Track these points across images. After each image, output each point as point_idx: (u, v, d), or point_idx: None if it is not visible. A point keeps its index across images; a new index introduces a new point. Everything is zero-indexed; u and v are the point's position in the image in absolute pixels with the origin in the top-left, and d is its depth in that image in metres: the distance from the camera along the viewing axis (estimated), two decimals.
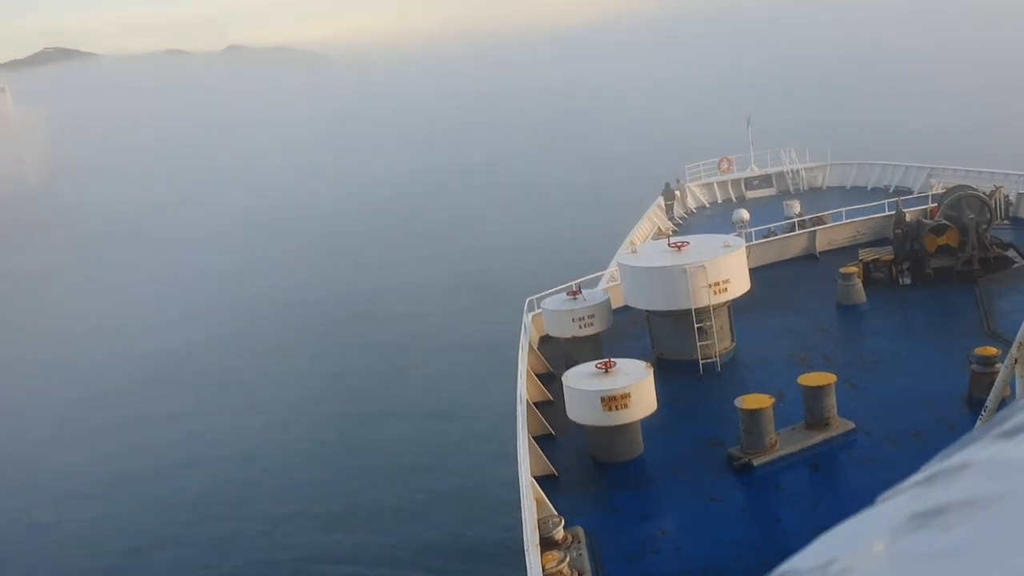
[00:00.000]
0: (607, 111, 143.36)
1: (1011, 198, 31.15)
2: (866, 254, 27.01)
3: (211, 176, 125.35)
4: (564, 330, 21.99)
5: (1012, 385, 12.26)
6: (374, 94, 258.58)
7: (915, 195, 35.20)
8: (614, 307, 22.67)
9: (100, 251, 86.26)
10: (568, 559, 13.15)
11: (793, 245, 30.06)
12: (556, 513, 14.02)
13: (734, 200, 44.92)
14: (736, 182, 46.47)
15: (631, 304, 22.19)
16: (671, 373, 20.57)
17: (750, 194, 45.73)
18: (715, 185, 46.45)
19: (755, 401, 16.00)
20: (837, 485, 15.41)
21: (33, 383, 50.88)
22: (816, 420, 16.45)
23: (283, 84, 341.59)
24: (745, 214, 35.82)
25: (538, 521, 13.58)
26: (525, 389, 18.86)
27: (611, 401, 16.23)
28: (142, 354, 52.69)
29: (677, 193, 43.79)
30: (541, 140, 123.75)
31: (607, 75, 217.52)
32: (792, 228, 31.99)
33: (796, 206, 36.87)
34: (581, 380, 16.91)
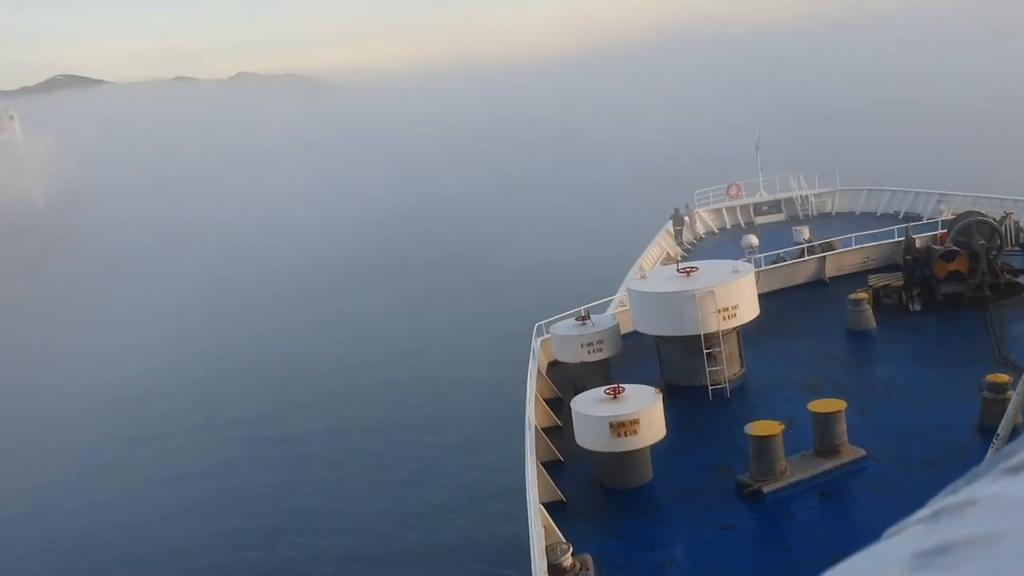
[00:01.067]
0: (611, 138, 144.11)
1: (1021, 224, 31.07)
2: (876, 280, 26.92)
3: (216, 203, 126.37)
4: (573, 355, 21.92)
5: None
6: (379, 120, 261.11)
7: (925, 221, 35.15)
8: (623, 332, 22.61)
9: (106, 276, 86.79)
10: None
11: (802, 271, 29.99)
12: (564, 540, 13.92)
13: (743, 225, 44.94)
14: (745, 208, 46.52)
15: (640, 329, 22.14)
16: (680, 399, 20.47)
17: (759, 220, 45.76)
18: (724, 210, 46.51)
19: (765, 427, 15.90)
20: (848, 513, 15.27)
21: (34, 403, 51.25)
22: (826, 447, 16.32)
23: (288, 111, 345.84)
24: (754, 239, 35.82)
25: (546, 548, 13.48)
26: (533, 415, 18.78)
27: (620, 427, 16.15)
28: (143, 373, 52.91)
29: (686, 218, 43.87)
30: (544, 167, 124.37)
31: (610, 103, 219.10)
32: (801, 254, 31.94)
33: (805, 232, 36.86)
34: (590, 406, 16.84)
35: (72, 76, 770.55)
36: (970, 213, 28.14)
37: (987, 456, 12.79)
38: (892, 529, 1.39)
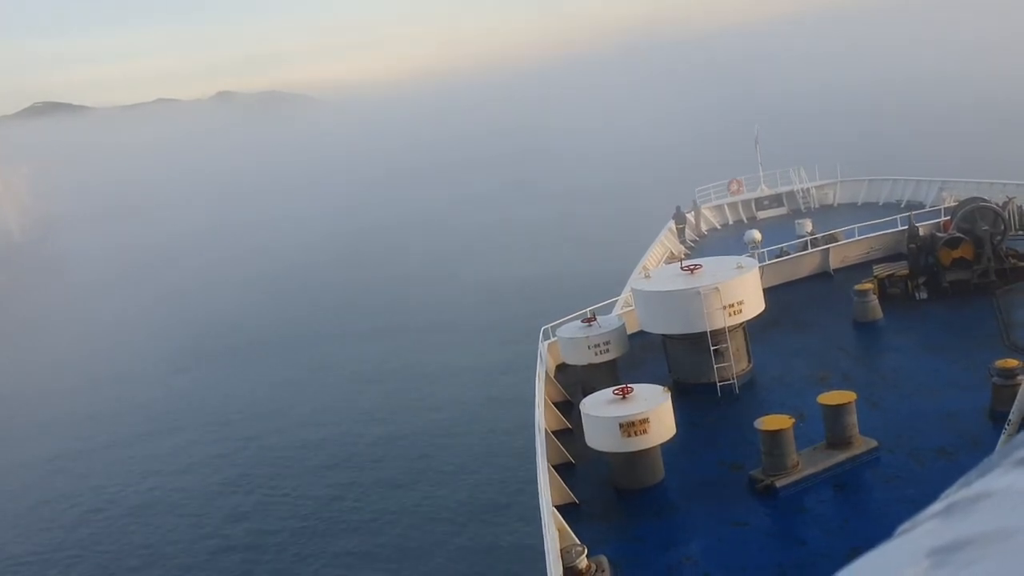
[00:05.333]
0: (583, 148, 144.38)
1: None
2: (881, 270, 26.85)
3: (194, 222, 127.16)
4: (580, 357, 21.92)
5: None
6: (361, 134, 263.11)
7: (927, 209, 35.06)
8: (629, 332, 22.60)
9: (81, 301, 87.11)
10: None
11: (806, 264, 29.93)
12: (579, 542, 13.90)
13: (745, 221, 44.87)
14: (746, 203, 46.47)
15: (646, 329, 22.12)
16: (689, 397, 20.45)
17: (761, 214, 45.70)
18: (725, 207, 46.46)
19: (775, 422, 15.86)
20: (862, 504, 15.21)
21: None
22: (838, 439, 16.28)
23: (267, 129, 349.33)
24: (757, 234, 35.77)
25: (561, 551, 13.46)
26: (543, 418, 18.77)
27: (630, 427, 16.13)
28: (119, 402, 53.03)
29: (688, 216, 43.79)
30: (524, 176, 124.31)
31: (578, 112, 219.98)
32: (805, 247, 31.88)
33: (808, 224, 36.78)
34: (599, 407, 16.83)
35: (52, 103, 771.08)
36: (973, 199, 28.06)
37: (999, 443, 12.66)
38: (905, 525, 1.38)
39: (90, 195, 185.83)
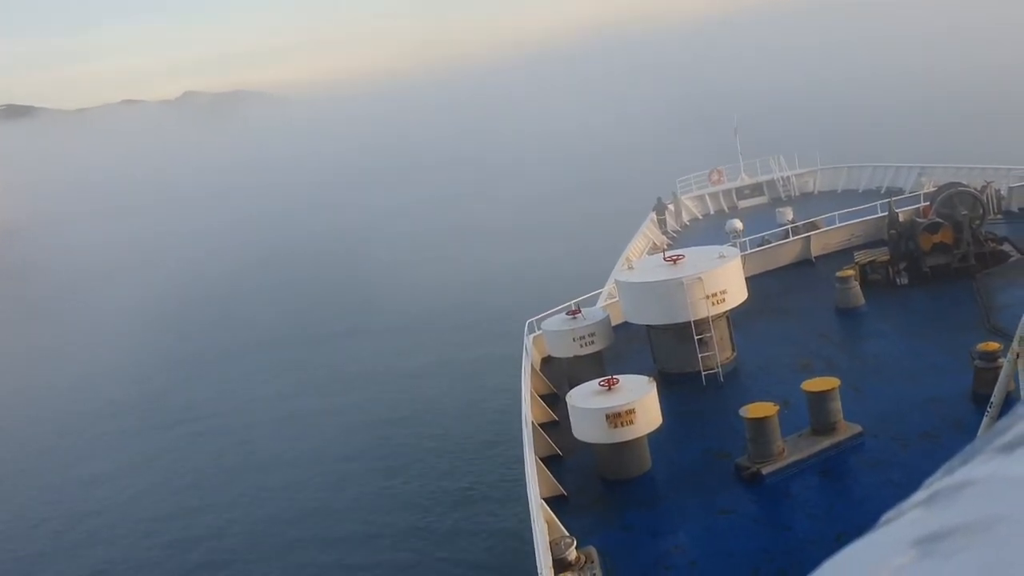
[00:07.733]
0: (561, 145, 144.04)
1: (1002, 192, 31.26)
2: (862, 256, 27.03)
3: (162, 230, 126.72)
4: (565, 350, 21.98)
5: (1016, 379, 12.24)
6: (333, 132, 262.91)
7: (907, 195, 35.27)
8: (614, 324, 22.68)
9: (44, 312, 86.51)
10: None
11: (788, 252, 30.08)
12: (568, 534, 13.94)
13: (726, 210, 45.03)
14: (727, 192, 46.61)
15: (630, 320, 22.20)
16: (674, 386, 20.54)
17: (742, 203, 45.85)
18: (706, 196, 46.58)
19: (760, 410, 15.96)
20: (847, 490, 15.33)
21: None
22: (822, 425, 16.40)
23: (232, 128, 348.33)
24: (738, 224, 35.91)
25: (550, 543, 13.50)
26: (530, 411, 18.81)
27: (616, 418, 16.19)
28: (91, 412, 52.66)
29: (669, 207, 43.88)
30: (503, 174, 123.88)
31: (560, 108, 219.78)
32: (786, 235, 32.02)
33: (788, 213, 36.95)
34: (585, 399, 16.89)
35: (14, 106, 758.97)
36: (951, 184, 28.24)
37: (982, 426, 12.70)
38: (889, 514, 1.39)
39: (53, 200, 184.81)
